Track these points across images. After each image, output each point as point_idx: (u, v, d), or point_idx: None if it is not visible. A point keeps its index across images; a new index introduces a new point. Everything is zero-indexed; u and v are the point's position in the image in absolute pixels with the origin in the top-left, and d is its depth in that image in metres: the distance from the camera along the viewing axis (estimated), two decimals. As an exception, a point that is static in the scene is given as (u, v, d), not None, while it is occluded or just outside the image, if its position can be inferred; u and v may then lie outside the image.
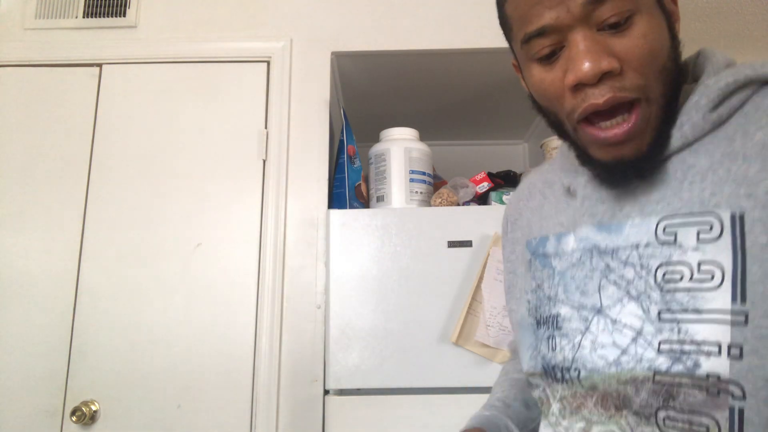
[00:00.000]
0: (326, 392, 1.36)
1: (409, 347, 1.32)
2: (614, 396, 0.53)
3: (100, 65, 1.59)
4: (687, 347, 0.48)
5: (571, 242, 0.60)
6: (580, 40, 0.49)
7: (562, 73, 0.51)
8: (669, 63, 0.51)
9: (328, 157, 1.56)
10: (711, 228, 0.48)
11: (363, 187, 1.59)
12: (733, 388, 0.45)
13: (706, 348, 0.46)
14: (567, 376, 0.58)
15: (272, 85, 1.57)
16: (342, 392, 1.33)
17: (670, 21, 0.54)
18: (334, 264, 1.38)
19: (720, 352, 0.46)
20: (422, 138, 1.62)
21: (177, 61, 1.59)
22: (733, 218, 0.47)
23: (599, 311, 0.55)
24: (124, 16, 1.61)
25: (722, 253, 0.47)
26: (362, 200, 1.57)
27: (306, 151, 1.54)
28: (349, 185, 1.52)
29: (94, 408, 1.37)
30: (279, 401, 1.38)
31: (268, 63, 1.59)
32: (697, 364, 0.47)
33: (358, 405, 1.31)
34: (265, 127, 1.55)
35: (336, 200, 1.53)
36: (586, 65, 0.48)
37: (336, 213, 1.40)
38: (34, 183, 1.51)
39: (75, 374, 1.39)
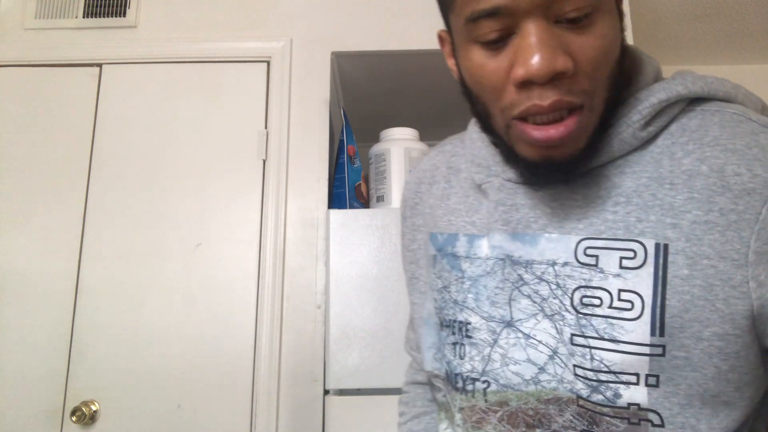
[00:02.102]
0: (326, 392, 1.36)
1: (409, 347, 1.32)
2: (529, 414, 0.51)
3: (100, 65, 1.59)
4: (604, 377, 0.47)
5: (484, 248, 0.55)
6: (534, 31, 0.43)
7: (508, 63, 0.45)
8: (616, 69, 0.48)
9: (328, 157, 1.56)
10: (635, 255, 0.47)
11: (363, 187, 1.59)
12: (652, 416, 0.46)
13: (624, 378, 0.46)
14: (470, 387, 0.55)
15: (272, 85, 1.57)
16: (342, 392, 1.33)
17: (622, 23, 0.50)
18: (334, 264, 1.38)
19: (638, 381, 0.46)
20: (422, 138, 1.62)
21: (177, 61, 1.59)
22: (657, 248, 0.46)
23: (509, 324, 0.52)
24: (124, 16, 1.61)
25: (643, 282, 0.46)
26: (362, 200, 1.57)
27: (306, 151, 1.54)
28: (349, 185, 1.52)
29: (94, 408, 1.37)
30: (279, 401, 1.38)
31: (268, 63, 1.59)
32: (617, 395, 0.46)
33: (358, 405, 1.31)
34: (265, 127, 1.55)
35: (336, 200, 1.53)
36: (540, 62, 0.42)
37: (336, 213, 1.40)
38: (34, 183, 1.51)
39: (75, 374, 1.39)
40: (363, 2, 1.63)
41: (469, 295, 0.55)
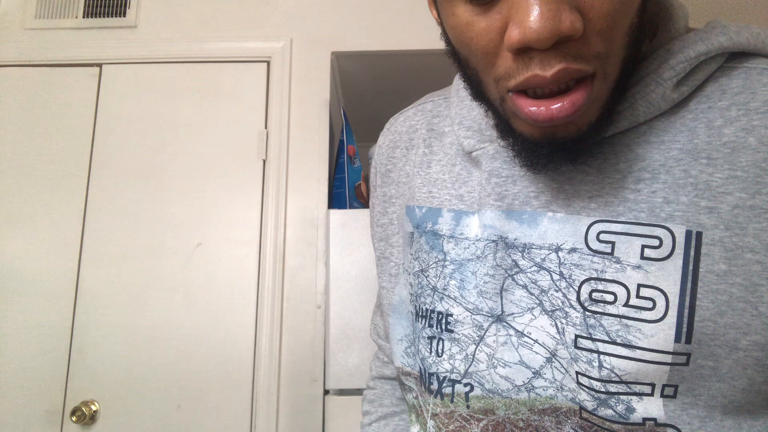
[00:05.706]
0: (326, 392, 1.36)
1: (409, 347, 1.32)
2: (519, 426, 0.43)
3: (100, 65, 1.59)
4: (614, 387, 0.39)
5: (474, 227, 0.47)
6: None
7: (501, 22, 0.36)
8: (637, 20, 0.37)
9: (328, 157, 1.56)
10: (660, 244, 0.39)
11: (363, 187, 1.59)
12: None
13: (638, 388, 0.39)
14: (449, 390, 0.46)
15: (272, 85, 1.57)
16: (342, 392, 1.33)
17: None
18: (334, 264, 1.38)
19: (653, 392, 0.39)
20: (422, 138, 1.62)
21: (177, 61, 1.59)
22: (688, 236, 0.38)
23: (498, 318, 0.44)
24: (124, 16, 1.61)
25: (669, 277, 0.38)
26: (362, 200, 1.57)
27: (306, 151, 1.54)
28: (349, 185, 1.52)
29: (94, 408, 1.37)
30: (279, 401, 1.38)
31: (268, 63, 1.59)
32: (630, 408, 0.39)
33: (358, 405, 1.31)
34: (265, 127, 1.55)
35: (336, 200, 1.53)
36: (540, 22, 0.33)
37: (336, 213, 1.40)
38: (34, 183, 1.51)
39: (75, 374, 1.39)
40: (363, 2, 1.63)
41: (452, 282, 0.47)
